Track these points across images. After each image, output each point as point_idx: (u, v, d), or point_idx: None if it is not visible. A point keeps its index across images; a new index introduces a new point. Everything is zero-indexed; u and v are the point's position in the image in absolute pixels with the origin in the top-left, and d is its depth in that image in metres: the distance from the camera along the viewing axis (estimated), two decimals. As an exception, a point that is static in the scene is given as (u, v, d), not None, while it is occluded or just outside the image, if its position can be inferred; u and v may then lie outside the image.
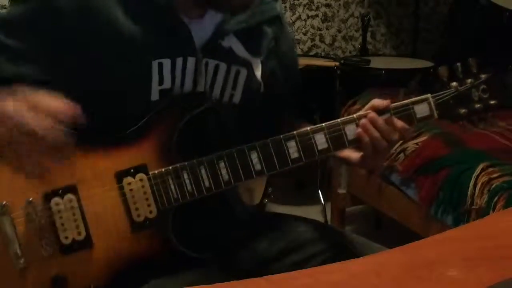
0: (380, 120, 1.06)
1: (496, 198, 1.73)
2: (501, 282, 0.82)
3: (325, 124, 1.07)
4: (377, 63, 2.97)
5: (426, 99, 1.08)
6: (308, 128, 1.06)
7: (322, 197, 2.82)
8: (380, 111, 1.07)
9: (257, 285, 0.85)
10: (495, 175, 1.80)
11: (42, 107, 0.92)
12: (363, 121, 1.06)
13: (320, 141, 1.06)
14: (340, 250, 1.16)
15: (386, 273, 0.87)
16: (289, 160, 1.05)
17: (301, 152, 1.05)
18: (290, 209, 2.82)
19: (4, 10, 2.74)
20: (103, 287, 1.00)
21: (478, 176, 1.82)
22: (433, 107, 1.08)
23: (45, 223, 0.99)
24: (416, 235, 1.95)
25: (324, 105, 2.80)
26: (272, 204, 2.70)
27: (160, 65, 1.05)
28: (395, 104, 1.08)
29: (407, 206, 2.11)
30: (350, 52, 3.59)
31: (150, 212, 1.01)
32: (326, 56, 3.41)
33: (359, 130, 1.06)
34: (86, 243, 1.00)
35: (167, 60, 1.05)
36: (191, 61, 1.07)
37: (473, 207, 1.79)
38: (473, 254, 0.92)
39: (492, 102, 1.11)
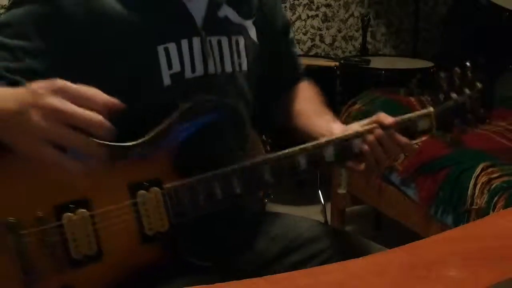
0: (386, 137, 1.07)
1: (496, 198, 1.73)
2: (501, 282, 0.82)
3: (335, 138, 1.07)
4: (377, 63, 2.97)
5: (429, 114, 1.10)
6: (323, 140, 1.07)
7: (322, 197, 2.82)
8: (385, 126, 1.08)
9: (257, 285, 0.85)
10: (495, 175, 1.80)
11: (70, 89, 0.83)
12: (370, 138, 1.07)
13: (328, 153, 1.07)
14: (340, 250, 1.16)
15: (386, 273, 0.87)
16: (298, 172, 1.05)
17: (309, 164, 1.05)
18: (290, 209, 2.82)
19: (3, 10, 2.74)
20: None
21: (478, 176, 1.83)
22: (434, 121, 1.10)
23: (57, 239, 0.95)
24: (416, 235, 1.95)
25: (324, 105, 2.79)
26: (272, 204, 2.70)
27: (166, 50, 1.04)
28: (400, 118, 1.09)
29: (407, 206, 2.11)
30: (350, 52, 3.59)
31: (162, 226, 1.00)
32: (326, 56, 3.41)
33: (366, 146, 1.07)
34: (97, 257, 0.97)
35: (172, 44, 1.05)
36: (196, 41, 1.07)
37: (473, 207, 1.79)
38: (473, 254, 0.92)
39: (482, 110, 1.13)
